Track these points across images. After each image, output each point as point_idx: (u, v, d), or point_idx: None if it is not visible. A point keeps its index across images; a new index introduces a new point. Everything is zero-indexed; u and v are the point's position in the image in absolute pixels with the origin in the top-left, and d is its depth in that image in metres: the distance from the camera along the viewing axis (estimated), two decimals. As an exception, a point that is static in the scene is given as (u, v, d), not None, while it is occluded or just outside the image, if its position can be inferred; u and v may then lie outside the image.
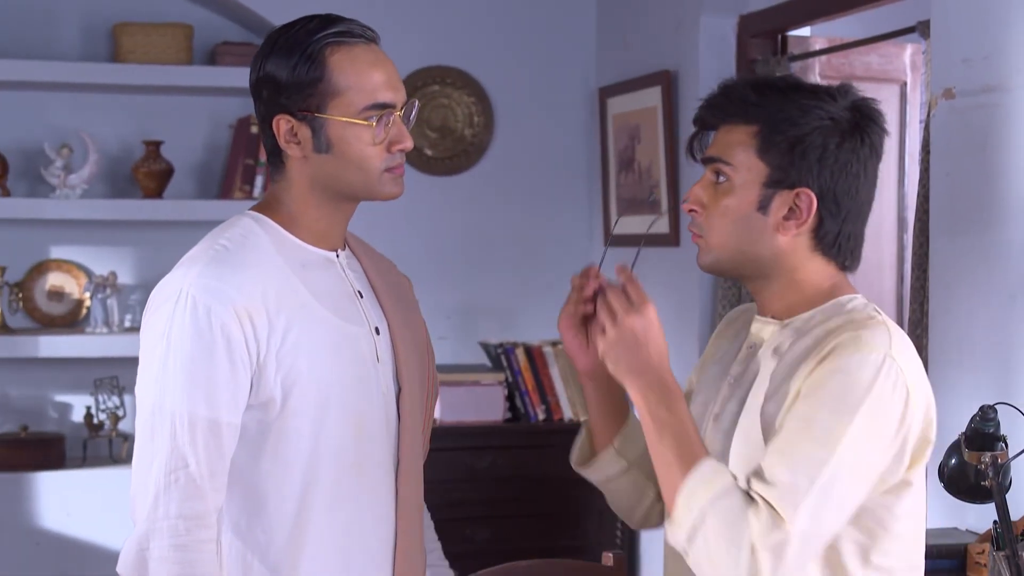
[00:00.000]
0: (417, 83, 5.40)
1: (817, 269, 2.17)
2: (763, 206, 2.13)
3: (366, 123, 2.21)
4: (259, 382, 2.19)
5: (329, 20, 2.25)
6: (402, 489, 2.33)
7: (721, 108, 2.17)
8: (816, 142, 2.11)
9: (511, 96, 5.52)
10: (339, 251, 2.35)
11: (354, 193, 2.28)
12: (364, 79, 2.22)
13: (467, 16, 5.46)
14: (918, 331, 3.65)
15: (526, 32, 5.51)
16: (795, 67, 4.56)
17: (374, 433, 2.29)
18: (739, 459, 2.12)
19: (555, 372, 5.13)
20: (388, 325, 2.35)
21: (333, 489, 2.25)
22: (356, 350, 2.28)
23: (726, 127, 2.17)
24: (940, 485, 2.78)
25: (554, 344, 5.17)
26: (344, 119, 2.21)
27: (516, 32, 5.50)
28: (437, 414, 4.99)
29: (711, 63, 4.69)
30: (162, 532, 2.14)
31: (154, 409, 2.16)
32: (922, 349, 3.63)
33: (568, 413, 5.12)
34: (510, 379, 5.13)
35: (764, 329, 2.20)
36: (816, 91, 2.14)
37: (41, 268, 5.25)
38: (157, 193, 5.17)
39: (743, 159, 2.13)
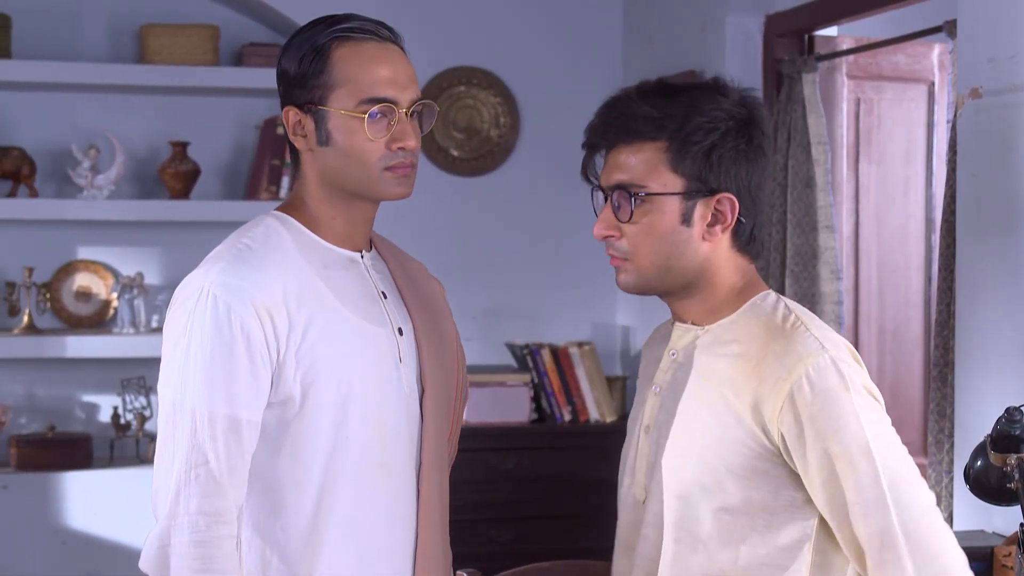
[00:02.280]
0: (443, 84, 5.40)
1: (734, 268, 2.18)
2: (686, 218, 2.12)
3: (360, 116, 2.21)
4: (279, 380, 2.20)
5: (344, 18, 2.27)
6: (423, 490, 2.32)
7: (621, 127, 2.13)
8: (729, 145, 2.11)
9: (537, 97, 5.51)
10: (363, 252, 2.35)
11: (357, 190, 2.27)
12: (364, 73, 2.22)
13: (493, 17, 5.46)
14: (944, 332, 3.63)
15: (552, 33, 5.50)
16: (822, 67, 4.54)
17: (396, 434, 2.29)
18: (672, 471, 2.13)
19: (581, 373, 5.12)
20: (413, 326, 2.36)
21: (353, 489, 2.25)
22: (378, 350, 2.28)
23: (627, 147, 2.13)
24: (966, 487, 2.77)
25: (580, 345, 5.16)
26: (341, 111, 2.22)
27: (542, 33, 5.50)
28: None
29: (737, 63, 4.68)
30: (182, 528, 2.15)
31: (175, 406, 2.18)
32: (948, 351, 3.61)
33: (594, 414, 5.11)
34: (536, 380, 5.12)
35: (685, 336, 2.20)
36: (704, 90, 2.14)
37: (68, 269, 5.27)
38: (184, 194, 5.19)
39: (657, 176, 2.11)
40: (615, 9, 5.53)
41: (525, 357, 5.15)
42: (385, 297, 2.34)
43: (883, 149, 4.82)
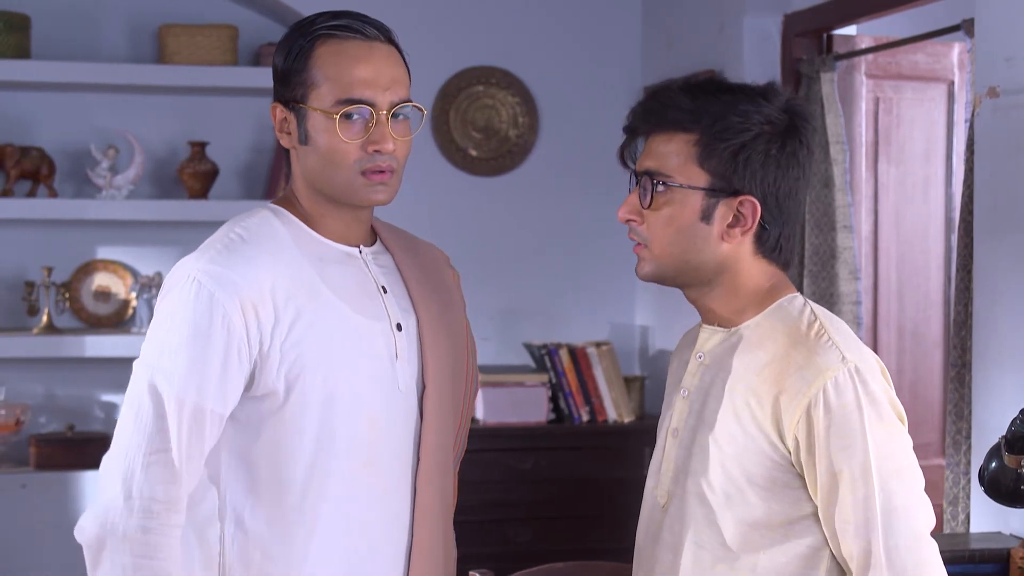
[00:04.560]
0: (461, 84, 5.40)
1: (759, 271, 2.16)
2: (706, 215, 2.11)
3: (335, 116, 2.18)
4: (261, 374, 2.18)
5: (334, 15, 2.24)
6: (421, 489, 2.29)
7: (657, 115, 2.13)
8: (759, 148, 2.08)
9: (556, 96, 5.50)
10: (363, 246, 2.32)
11: (333, 193, 2.24)
12: (343, 73, 2.19)
13: (512, 16, 5.45)
14: (962, 332, 3.61)
15: (571, 32, 5.49)
16: (840, 66, 4.52)
17: (389, 431, 2.27)
18: (699, 478, 2.12)
19: (599, 373, 5.11)
20: (417, 321, 2.32)
21: (340, 486, 2.22)
22: (372, 346, 2.25)
23: (662, 135, 2.13)
24: (980, 489, 2.76)
25: (598, 345, 5.15)
26: (318, 110, 2.20)
27: (561, 32, 5.49)
28: (480, 415, 4.98)
29: (755, 62, 4.66)
30: (133, 511, 2.14)
31: (147, 389, 2.15)
32: (966, 351, 3.59)
33: (612, 415, 5.10)
34: (554, 380, 5.11)
35: (712, 338, 2.18)
36: (749, 93, 2.11)
37: (87, 268, 5.28)
38: (202, 194, 5.20)
39: (682, 168, 2.10)
40: (634, 9, 5.52)
41: (543, 357, 5.14)
42: (385, 291, 2.30)
43: (902, 148, 4.80)
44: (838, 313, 4.31)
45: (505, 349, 5.41)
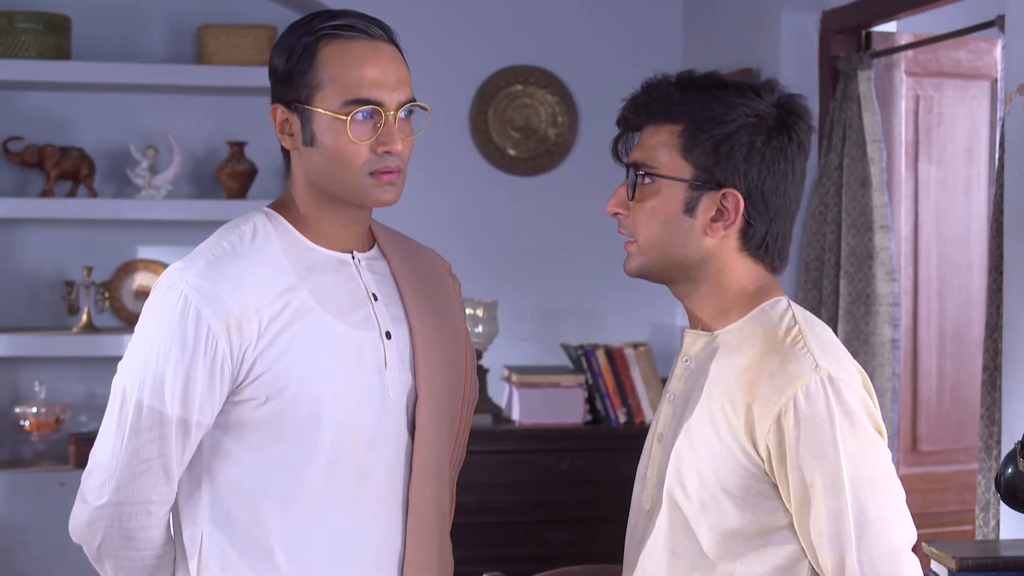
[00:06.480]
0: (500, 83, 5.37)
1: (744, 271, 2.11)
2: (690, 208, 2.07)
3: (343, 117, 2.16)
4: (245, 386, 2.17)
5: (336, 14, 2.22)
6: (414, 500, 2.26)
7: (645, 108, 2.11)
8: (742, 140, 2.05)
9: (595, 95, 5.46)
10: (355, 252, 2.29)
11: (339, 194, 2.22)
12: (349, 73, 2.17)
13: (550, 15, 5.42)
14: (995, 334, 3.54)
15: (610, 31, 5.45)
16: (880, 64, 4.46)
17: (377, 441, 2.23)
18: (674, 484, 2.09)
19: (636, 374, 5.06)
20: (410, 329, 2.29)
21: (323, 496, 2.20)
22: (359, 356, 2.22)
23: (651, 128, 2.11)
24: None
25: (636, 346, 5.10)
26: (325, 112, 2.17)
27: (600, 31, 5.45)
28: (515, 415, 4.96)
29: (793, 60, 4.61)
30: (133, 515, 2.18)
31: (136, 401, 2.15)
32: (998, 353, 3.52)
33: (650, 416, 5.05)
34: (590, 381, 5.07)
35: (696, 342, 2.14)
36: (741, 88, 2.08)
37: (128, 268, 5.31)
38: (241, 193, 5.21)
39: (667, 160, 2.08)
40: (674, 7, 5.48)
41: (579, 358, 5.10)
42: (376, 299, 2.27)
43: (943, 147, 4.72)
44: (874, 314, 4.25)
45: (543, 349, 5.38)
